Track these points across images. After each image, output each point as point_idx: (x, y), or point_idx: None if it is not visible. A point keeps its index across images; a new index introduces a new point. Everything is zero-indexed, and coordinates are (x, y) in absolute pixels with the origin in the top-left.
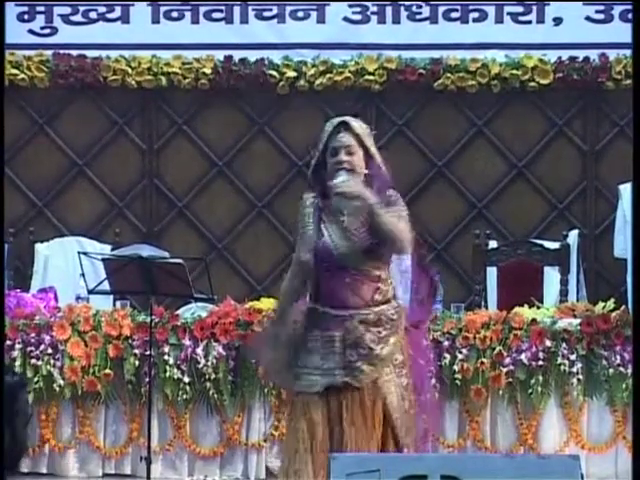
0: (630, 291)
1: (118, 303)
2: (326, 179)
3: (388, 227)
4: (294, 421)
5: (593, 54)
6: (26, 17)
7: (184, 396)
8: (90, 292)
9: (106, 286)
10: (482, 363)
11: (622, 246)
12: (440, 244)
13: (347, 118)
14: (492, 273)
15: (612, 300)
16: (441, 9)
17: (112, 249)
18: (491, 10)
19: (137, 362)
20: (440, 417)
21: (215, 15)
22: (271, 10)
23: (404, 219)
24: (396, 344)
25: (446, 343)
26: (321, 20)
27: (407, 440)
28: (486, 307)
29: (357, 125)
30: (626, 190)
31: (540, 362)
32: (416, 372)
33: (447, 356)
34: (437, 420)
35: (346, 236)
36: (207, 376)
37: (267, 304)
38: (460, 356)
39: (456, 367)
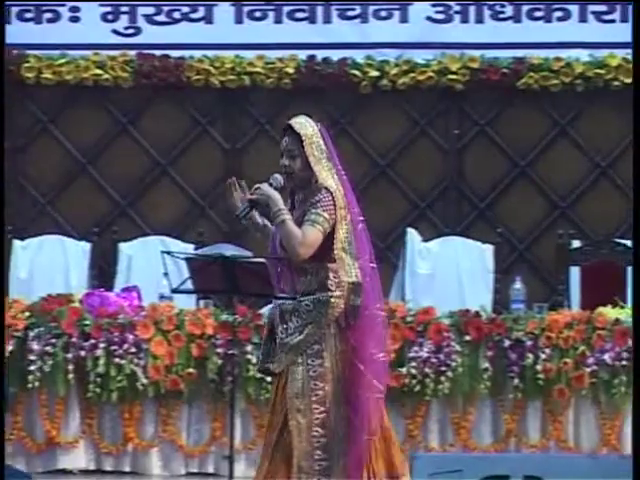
0: (630, 291)
1: (201, 302)
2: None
3: (282, 235)
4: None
5: None
6: (110, 17)
7: (266, 395)
8: (173, 291)
9: (189, 285)
10: (565, 363)
11: None
12: (523, 244)
13: (293, 121)
14: (575, 273)
15: None
16: (524, 8)
17: (195, 248)
18: (575, 9)
19: (220, 361)
20: (377, 417)
21: (298, 15)
22: (354, 9)
23: (310, 223)
24: (313, 334)
25: (529, 343)
26: (404, 19)
27: (321, 430)
28: (569, 307)
29: (300, 128)
30: None
31: (624, 362)
32: (352, 373)
33: (530, 356)
34: (373, 420)
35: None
36: None
37: None
38: (543, 356)
39: (539, 367)
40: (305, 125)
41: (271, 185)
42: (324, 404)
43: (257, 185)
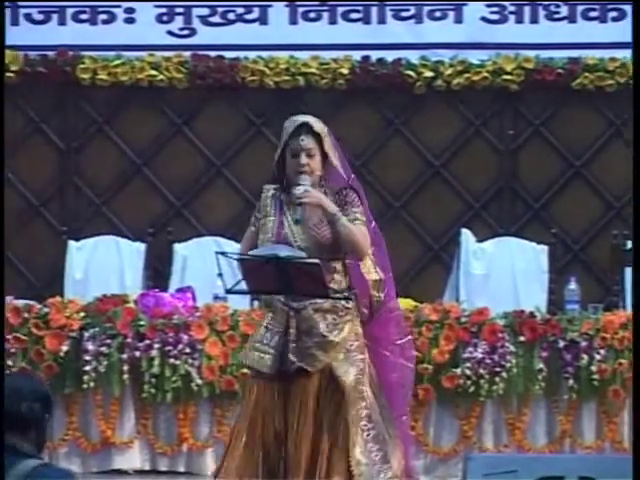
0: (631, 292)
1: (255, 303)
2: (287, 176)
3: (347, 238)
4: (242, 405)
5: None
6: (165, 19)
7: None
8: (228, 292)
9: (243, 286)
10: (620, 364)
11: None
12: (578, 244)
13: (308, 119)
14: (630, 273)
15: None
16: (579, 8)
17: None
18: (629, 9)
19: None
20: (406, 401)
21: (353, 16)
22: (408, 10)
23: (360, 222)
24: (350, 332)
25: (584, 344)
26: (458, 20)
27: (369, 424)
28: (624, 308)
29: (318, 127)
30: None
31: None
32: (378, 361)
33: (585, 357)
34: (404, 405)
35: (305, 230)
36: None
37: (404, 304)
38: (598, 357)
39: (594, 368)
40: (321, 124)
41: (305, 186)
42: (366, 398)
43: (304, 188)
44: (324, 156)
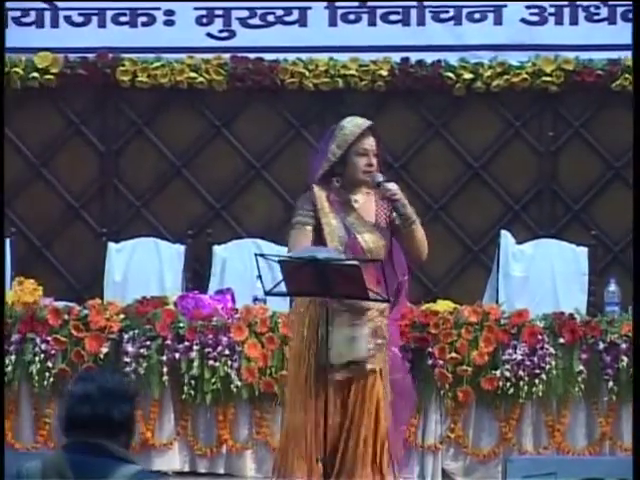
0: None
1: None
2: (345, 176)
3: (419, 242)
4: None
5: None
6: (204, 21)
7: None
8: (267, 293)
9: (283, 288)
10: None
11: None
12: (618, 246)
13: (371, 123)
14: None
15: None
16: (619, 10)
17: (288, 251)
18: None
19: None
20: (412, 399)
21: (392, 17)
22: (448, 12)
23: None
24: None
25: (624, 346)
26: (498, 22)
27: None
28: None
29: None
30: None
31: None
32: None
33: (625, 359)
34: (411, 403)
35: (370, 230)
36: None
37: (443, 306)
38: None
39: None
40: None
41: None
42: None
43: (391, 185)
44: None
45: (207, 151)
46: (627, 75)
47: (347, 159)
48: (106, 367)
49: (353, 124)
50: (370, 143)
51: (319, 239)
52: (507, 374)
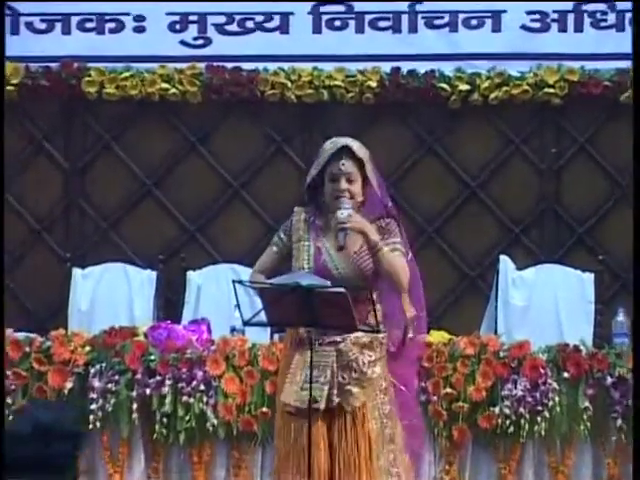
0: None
1: (276, 336)
2: (323, 200)
3: (388, 270)
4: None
5: None
6: (178, 27)
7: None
8: (246, 324)
9: (263, 317)
10: None
11: None
12: (626, 273)
13: (350, 142)
14: None
15: None
16: (628, 15)
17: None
18: None
19: None
20: (424, 443)
21: (381, 24)
22: (442, 18)
23: (400, 253)
24: (382, 370)
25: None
26: (496, 29)
27: (396, 469)
28: None
29: (360, 151)
30: None
31: None
32: (398, 398)
33: None
34: (421, 445)
35: (346, 256)
36: None
37: (437, 337)
38: None
39: None
40: (363, 149)
41: (348, 210)
42: (393, 442)
43: (347, 212)
44: (364, 181)
45: (181, 168)
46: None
47: (323, 181)
48: (46, 403)
49: (329, 145)
50: (340, 167)
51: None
52: (507, 411)
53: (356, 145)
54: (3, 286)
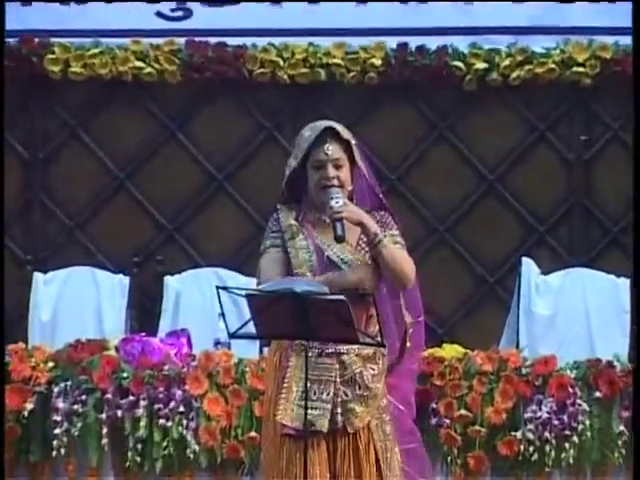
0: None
1: (266, 350)
2: (307, 193)
3: (391, 263)
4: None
5: None
6: None
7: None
8: (232, 336)
9: (251, 328)
10: None
11: None
12: None
13: (333, 123)
14: None
15: None
16: None
17: (258, 282)
18: None
19: None
20: (426, 470)
21: None
22: None
23: (401, 245)
24: (383, 385)
25: None
26: None
27: None
28: None
29: (344, 132)
30: None
31: None
32: (397, 419)
33: None
34: (423, 473)
35: (350, 248)
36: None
37: (450, 352)
38: None
39: None
40: (346, 130)
41: (341, 198)
42: (396, 468)
43: (342, 201)
44: (354, 167)
45: (157, 159)
46: None
47: (306, 172)
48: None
49: (308, 131)
50: (326, 152)
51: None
52: (530, 436)
53: (340, 126)
54: (3, 286)
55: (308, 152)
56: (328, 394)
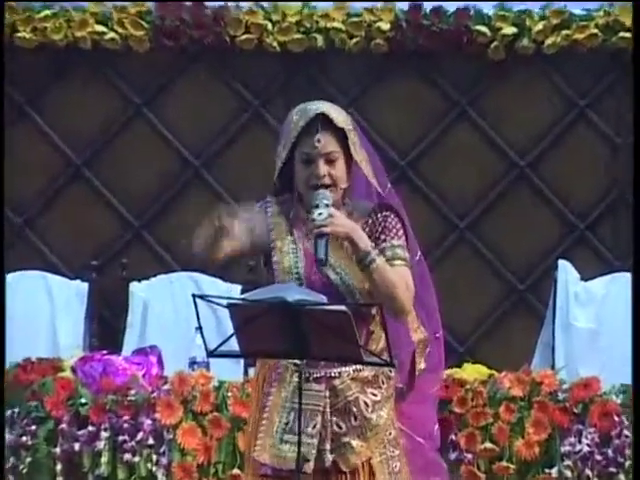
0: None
1: (252, 371)
2: (297, 189)
3: (382, 288)
4: None
5: None
6: None
7: None
8: (211, 354)
9: (234, 345)
10: None
11: None
12: None
13: (324, 108)
14: None
15: None
16: None
17: (243, 290)
18: None
19: None
20: None
21: None
22: None
23: (402, 262)
24: (390, 414)
25: None
26: None
27: None
28: None
29: (339, 118)
30: None
31: None
32: (412, 452)
33: None
34: None
35: (345, 258)
36: None
37: (473, 373)
38: None
39: None
40: (343, 114)
41: (327, 207)
42: None
43: (327, 212)
44: (351, 161)
45: (122, 141)
46: None
47: (293, 164)
48: None
49: (298, 114)
50: (315, 144)
51: (269, 272)
52: (568, 474)
53: (334, 111)
54: (3, 286)
55: (295, 142)
56: (314, 426)
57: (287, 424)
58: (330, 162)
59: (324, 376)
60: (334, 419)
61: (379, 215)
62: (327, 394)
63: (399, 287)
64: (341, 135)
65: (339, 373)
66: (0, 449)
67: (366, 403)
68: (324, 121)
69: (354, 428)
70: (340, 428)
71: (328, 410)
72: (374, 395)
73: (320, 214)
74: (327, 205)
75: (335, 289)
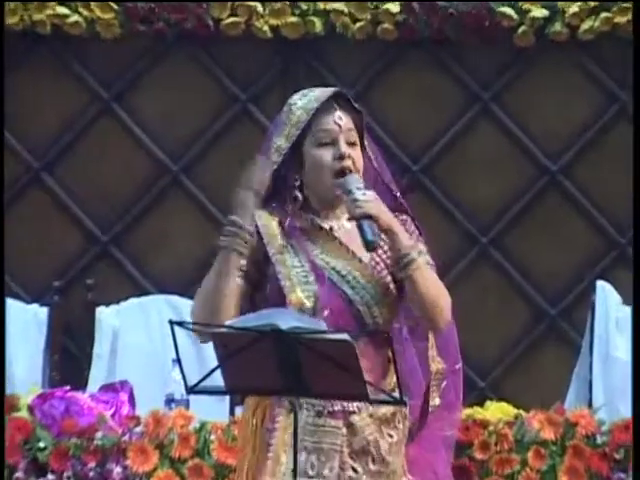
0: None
1: (238, 410)
2: (293, 193)
3: (424, 291)
4: None
5: None
6: None
7: None
8: (191, 391)
9: (219, 380)
10: None
11: None
12: None
13: (337, 89)
14: None
15: None
16: None
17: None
18: None
19: None
20: None
21: None
22: None
23: (432, 266)
24: (402, 458)
25: None
26: None
27: None
28: None
29: (354, 102)
30: None
31: None
32: None
33: None
34: None
35: (364, 268)
36: None
37: (497, 412)
38: None
39: None
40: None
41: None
42: None
43: (369, 193)
44: (362, 148)
45: (87, 142)
46: None
47: (304, 157)
48: None
49: (308, 98)
50: (337, 121)
51: (261, 294)
52: None
53: (347, 94)
54: (3, 286)
55: (309, 126)
56: (332, 469)
57: (297, 464)
58: (350, 145)
59: (341, 410)
60: (350, 461)
61: (398, 219)
62: (345, 432)
63: (442, 290)
64: (358, 120)
65: (357, 408)
66: (0, 449)
67: (385, 445)
68: (342, 100)
69: (372, 473)
70: (356, 472)
71: (346, 450)
72: (390, 436)
73: (364, 194)
74: (362, 187)
75: (354, 308)
